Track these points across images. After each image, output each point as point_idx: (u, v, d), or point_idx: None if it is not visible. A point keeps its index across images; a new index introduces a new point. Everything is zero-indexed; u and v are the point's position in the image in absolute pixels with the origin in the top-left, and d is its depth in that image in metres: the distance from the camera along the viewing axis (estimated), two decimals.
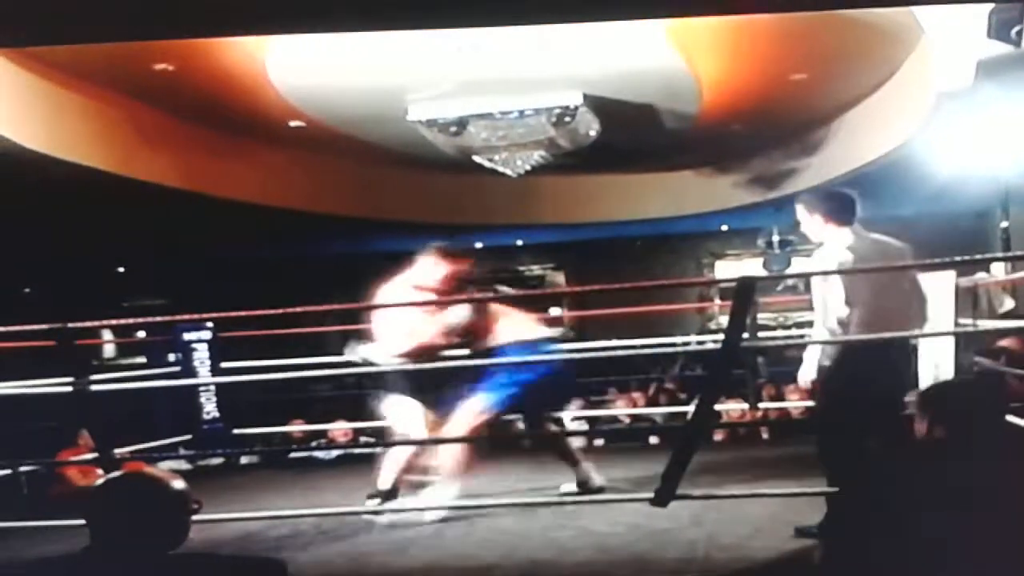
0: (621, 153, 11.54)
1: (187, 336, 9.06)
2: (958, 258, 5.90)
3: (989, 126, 8.28)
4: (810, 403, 10.08)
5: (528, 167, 10.06)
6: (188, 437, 9.04)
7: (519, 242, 17.61)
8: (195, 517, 2.96)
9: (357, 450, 9.21)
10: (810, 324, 15.11)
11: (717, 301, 16.24)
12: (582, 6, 4.47)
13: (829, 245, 5.60)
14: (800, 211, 5.79)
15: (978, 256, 6.03)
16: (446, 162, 10.89)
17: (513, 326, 6.63)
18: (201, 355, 9.03)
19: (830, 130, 11.29)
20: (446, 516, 6.28)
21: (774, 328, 14.85)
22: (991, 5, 6.11)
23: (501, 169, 10.07)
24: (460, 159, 10.31)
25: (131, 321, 7.29)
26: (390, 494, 6.55)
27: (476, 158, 9.98)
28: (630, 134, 10.59)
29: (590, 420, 10.72)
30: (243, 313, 7.68)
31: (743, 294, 5.53)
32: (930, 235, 12.59)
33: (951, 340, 7.14)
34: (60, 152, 8.48)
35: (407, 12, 4.21)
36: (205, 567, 2.99)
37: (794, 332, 14.60)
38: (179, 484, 2.88)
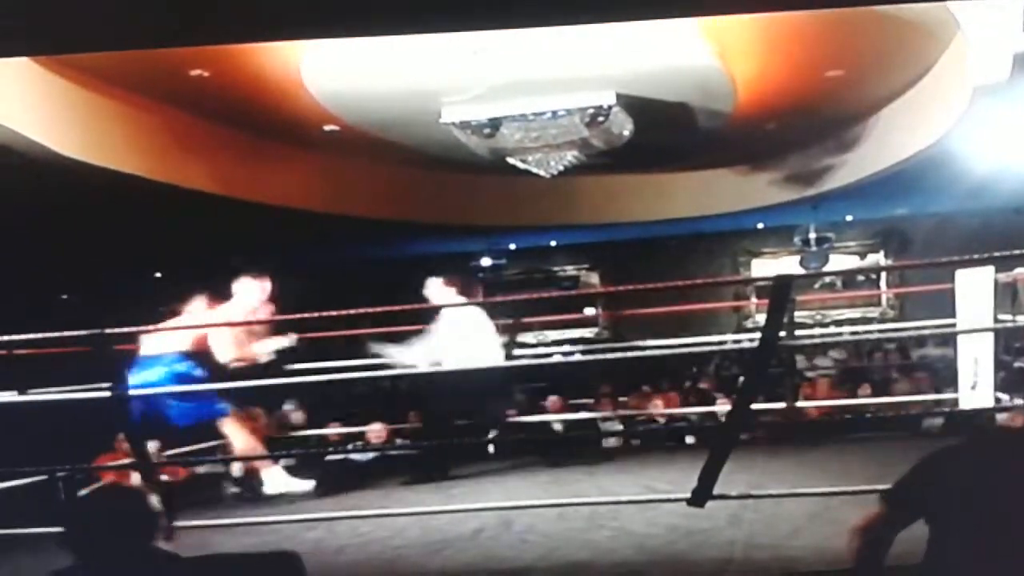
0: (655, 152, 11.51)
1: None
2: (996, 253, 5.85)
3: None
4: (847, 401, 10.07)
5: (561, 168, 10.04)
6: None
7: (553, 243, 17.60)
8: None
9: (393, 452, 9.21)
10: (848, 321, 15.06)
11: (753, 299, 16.20)
12: (613, 5, 4.46)
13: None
14: (438, 283, 8.03)
15: (1017, 251, 5.96)
16: (480, 164, 10.89)
17: None
18: None
19: (866, 126, 11.21)
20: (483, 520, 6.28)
21: (811, 326, 14.77)
22: None
23: (534, 170, 10.06)
24: (493, 161, 10.31)
25: (169, 327, 7.34)
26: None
27: (509, 159, 9.97)
28: (664, 133, 10.55)
29: (625, 420, 10.71)
30: (282, 317, 7.75)
31: (780, 292, 5.51)
32: (968, 231, 12.62)
33: (991, 335, 7.08)
34: (96, 158, 8.54)
35: (435, 15, 4.22)
36: (217, 565, 3.04)
37: (832, 330, 14.55)
38: (150, 495, 3.02)
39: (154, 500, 3.07)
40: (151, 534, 2.97)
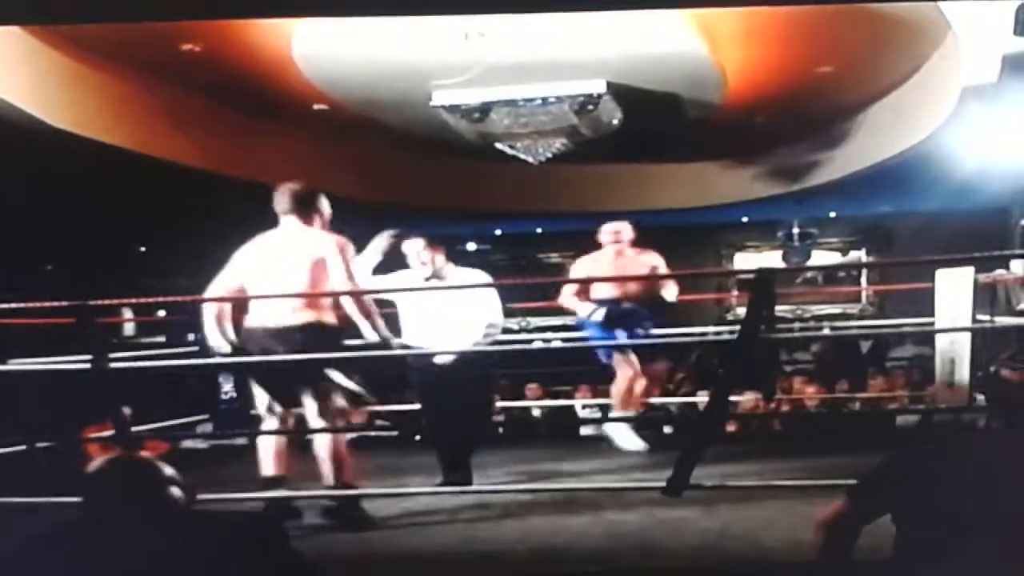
0: (643, 142, 11.53)
1: None
2: (977, 254, 5.90)
3: (1014, 122, 8.23)
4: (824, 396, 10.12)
5: (549, 155, 10.06)
6: (206, 416, 9.08)
7: (539, 230, 17.61)
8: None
9: (373, 433, 9.23)
10: (829, 317, 15.00)
11: (735, 292, 16.25)
12: None
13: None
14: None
15: (997, 252, 6.02)
16: (468, 148, 10.89)
17: None
18: None
19: (854, 123, 11.25)
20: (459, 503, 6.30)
21: (791, 321, 14.84)
22: (1018, 1, 6.09)
23: (522, 156, 10.08)
24: (482, 146, 10.31)
25: (151, 300, 7.33)
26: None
27: (498, 145, 9.98)
28: (653, 123, 10.57)
29: (603, 408, 10.72)
30: (260, 296, 7.73)
31: (762, 286, 5.55)
32: (950, 231, 12.68)
33: (968, 336, 7.12)
34: (85, 130, 8.53)
35: None
36: (200, 522, 3.04)
37: (812, 325, 14.61)
38: (168, 469, 2.96)
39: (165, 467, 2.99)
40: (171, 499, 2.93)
